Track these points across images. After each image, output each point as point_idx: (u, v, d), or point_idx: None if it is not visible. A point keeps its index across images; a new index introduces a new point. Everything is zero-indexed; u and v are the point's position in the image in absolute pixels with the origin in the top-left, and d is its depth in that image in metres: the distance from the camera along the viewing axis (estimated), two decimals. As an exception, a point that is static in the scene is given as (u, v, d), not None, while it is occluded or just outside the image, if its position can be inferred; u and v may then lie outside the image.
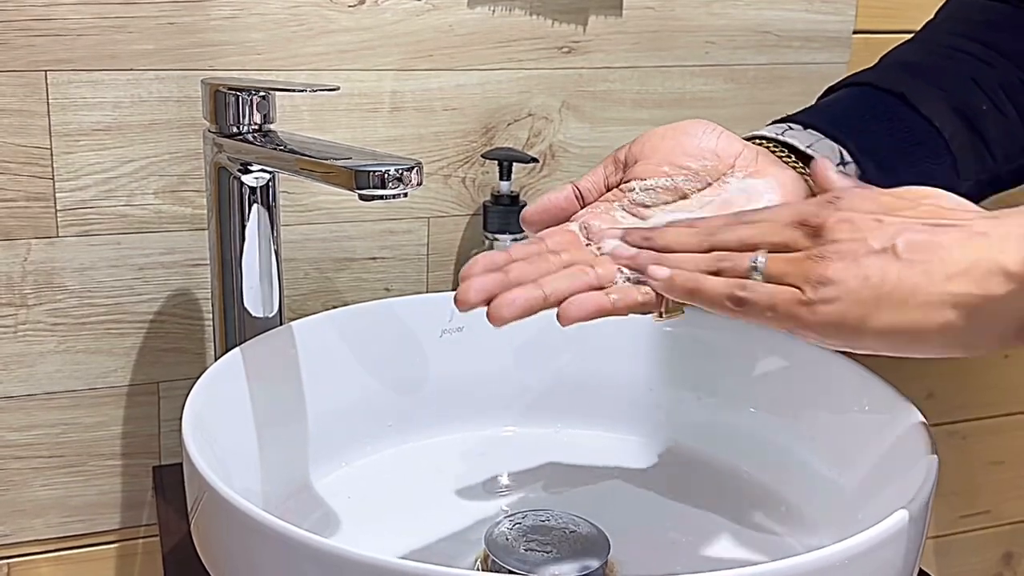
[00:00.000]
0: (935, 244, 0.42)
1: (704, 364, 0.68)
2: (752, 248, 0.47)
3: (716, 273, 0.48)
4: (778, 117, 0.62)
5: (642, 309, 0.49)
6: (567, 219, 0.55)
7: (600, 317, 0.48)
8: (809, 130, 0.59)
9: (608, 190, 0.56)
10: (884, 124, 0.58)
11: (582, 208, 0.55)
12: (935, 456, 0.50)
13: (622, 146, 0.57)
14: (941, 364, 1.06)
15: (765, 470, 0.64)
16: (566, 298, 0.47)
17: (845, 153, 0.58)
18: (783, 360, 0.65)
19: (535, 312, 0.47)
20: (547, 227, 0.54)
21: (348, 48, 0.77)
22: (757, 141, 0.58)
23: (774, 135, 0.58)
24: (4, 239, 0.72)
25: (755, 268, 0.46)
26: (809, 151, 0.57)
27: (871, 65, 0.66)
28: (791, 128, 0.59)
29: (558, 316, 0.47)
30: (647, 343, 0.70)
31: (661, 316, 0.50)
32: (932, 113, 0.60)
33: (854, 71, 0.67)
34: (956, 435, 1.10)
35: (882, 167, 0.57)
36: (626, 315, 0.49)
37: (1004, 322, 0.41)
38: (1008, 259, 0.40)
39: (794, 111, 0.62)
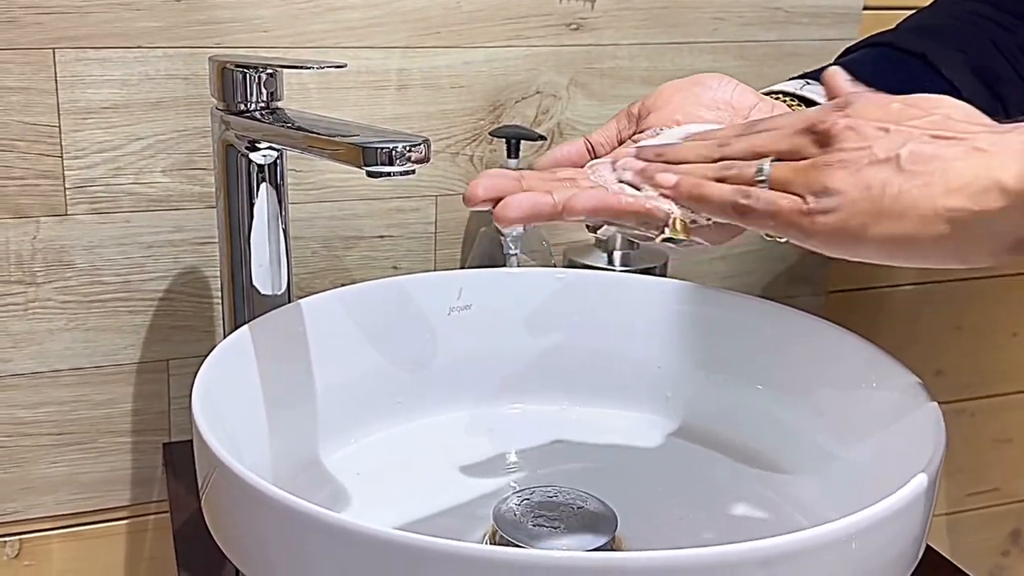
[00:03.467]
0: (937, 157, 0.42)
1: (712, 342, 0.68)
2: (760, 156, 0.47)
3: (722, 180, 0.48)
4: (796, 74, 0.62)
5: (647, 218, 0.49)
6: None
7: (607, 215, 0.48)
8: None
9: (620, 143, 0.56)
10: (904, 84, 0.58)
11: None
12: (943, 430, 0.50)
13: (636, 100, 0.57)
14: (950, 342, 1.06)
15: (772, 446, 0.64)
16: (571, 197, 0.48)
17: None
18: (791, 337, 0.65)
19: (543, 218, 0.47)
20: None
21: (355, 25, 0.76)
22: (775, 95, 0.58)
23: (793, 90, 0.58)
24: (13, 217, 0.72)
25: (760, 175, 0.46)
26: None
27: (890, 28, 0.66)
28: (810, 83, 0.59)
29: (562, 208, 0.47)
30: (656, 320, 0.70)
31: (663, 233, 0.50)
32: (952, 74, 0.60)
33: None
34: (964, 413, 1.10)
35: None
36: (631, 222, 0.49)
37: (998, 237, 0.42)
38: (1006, 175, 0.40)
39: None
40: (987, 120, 0.44)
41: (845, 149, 0.44)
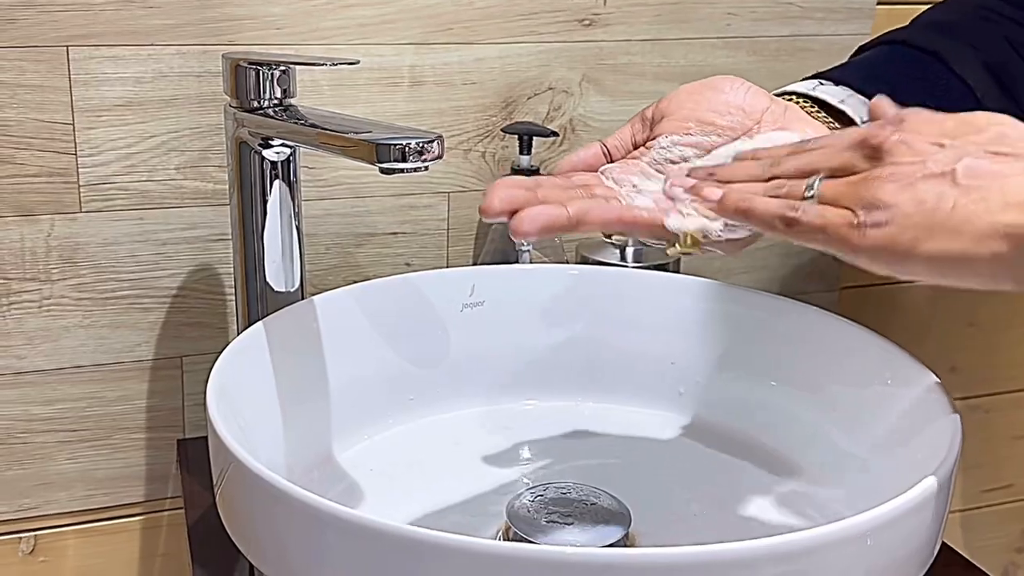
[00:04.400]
0: (994, 172, 0.41)
1: (725, 338, 0.68)
2: (811, 173, 0.47)
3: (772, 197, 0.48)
4: (809, 74, 0.61)
5: (660, 233, 0.49)
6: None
7: (621, 228, 0.49)
8: (841, 86, 0.58)
9: (635, 148, 0.56)
10: (917, 82, 0.58)
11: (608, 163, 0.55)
12: (959, 427, 0.50)
13: (649, 104, 0.57)
14: (964, 338, 1.05)
15: (787, 443, 0.64)
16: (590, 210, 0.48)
17: None
18: (805, 333, 0.65)
19: (557, 230, 0.47)
20: None
21: (367, 22, 0.76)
22: (788, 97, 0.58)
23: (805, 91, 0.58)
24: (28, 215, 0.72)
25: (810, 191, 0.46)
26: (841, 106, 0.57)
27: (904, 25, 0.66)
28: (822, 84, 0.59)
29: (577, 222, 0.47)
30: (669, 317, 0.69)
31: (675, 247, 0.50)
32: (965, 72, 0.60)
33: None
34: (979, 409, 1.09)
35: None
36: (645, 234, 0.50)
37: None
38: None
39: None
40: None
41: (898, 163, 0.43)
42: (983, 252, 0.41)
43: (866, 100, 0.57)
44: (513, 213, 0.47)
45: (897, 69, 0.61)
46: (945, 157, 0.42)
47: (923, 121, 0.45)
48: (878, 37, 0.66)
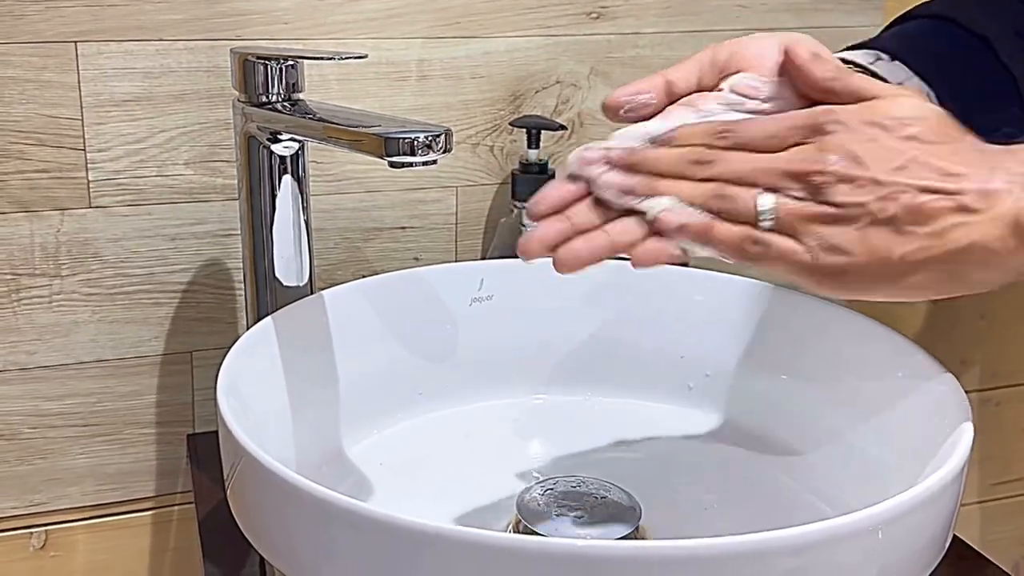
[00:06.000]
0: (931, 217, 0.45)
1: (735, 331, 0.68)
2: (748, 183, 0.48)
3: (717, 212, 0.48)
4: (855, 42, 0.60)
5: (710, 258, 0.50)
6: (651, 115, 0.52)
7: (671, 264, 0.49)
8: (896, 62, 0.58)
9: (699, 90, 0.52)
10: (969, 70, 0.57)
11: (669, 104, 0.52)
12: (971, 420, 0.50)
13: (721, 44, 0.53)
14: (974, 331, 1.05)
15: (798, 437, 0.64)
16: (632, 245, 0.48)
17: (932, 95, 0.57)
18: (816, 327, 0.64)
19: (602, 260, 0.48)
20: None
21: (375, 16, 0.76)
22: (848, 65, 0.56)
23: (864, 63, 0.57)
24: (37, 210, 0.72)
25: (763, 218, 0.47)
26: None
27: None
28: (880, 58, 0.58)
29: (632, 264, 0.48)
30: (678, 310, 0.69)
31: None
32: (1012, 61, 0.59)
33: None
34: (989, 402, 1.09)
35: (958, 114, 0.56)
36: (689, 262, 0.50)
37: (997, 281, 0.46)
38: (994, 243, 0.44)
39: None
40: (960, 142, 0.46)
41: (842, 205, 0.45)
42: (930, 288, 0.46)
43: (922, 84, 0.57)
44: (554, 248, 0.48)
45: (951, 54, 0.59)
46: (885, 202, 0.45)
47: (849, 140, 0.46)
48: (923, 7, 0.63)
